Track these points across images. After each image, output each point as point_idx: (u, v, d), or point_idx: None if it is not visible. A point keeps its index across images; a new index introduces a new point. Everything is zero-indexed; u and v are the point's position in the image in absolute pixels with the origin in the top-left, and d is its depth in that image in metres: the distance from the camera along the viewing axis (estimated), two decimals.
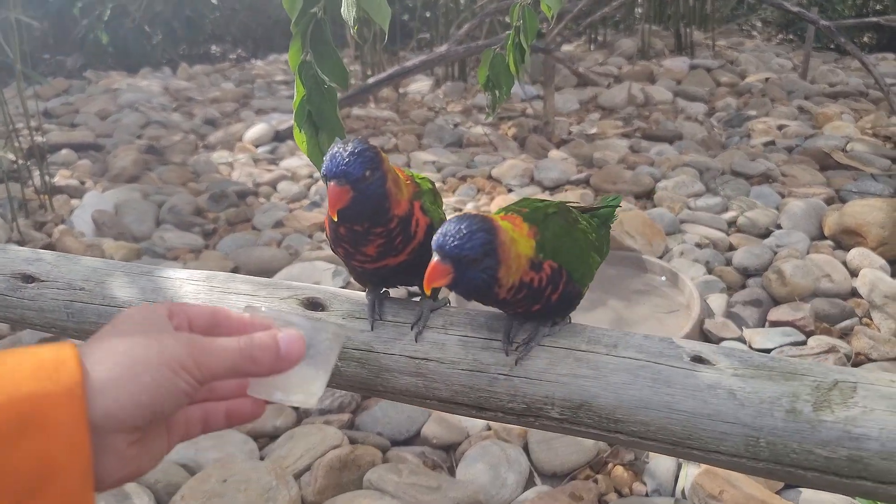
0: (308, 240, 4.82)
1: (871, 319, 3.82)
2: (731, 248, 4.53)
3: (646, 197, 5.26)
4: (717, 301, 3.93)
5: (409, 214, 1.22)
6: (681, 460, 2.84)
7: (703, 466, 2.57)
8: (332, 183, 1.12)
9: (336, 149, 1.13)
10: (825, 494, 2.61)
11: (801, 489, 2.65)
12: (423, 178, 1.36)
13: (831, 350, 3.35)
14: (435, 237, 1.05)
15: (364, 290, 1.32)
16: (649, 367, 1.13)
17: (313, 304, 1.27)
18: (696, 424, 1.09)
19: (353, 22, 1.29)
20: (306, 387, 0.89)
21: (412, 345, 1.20)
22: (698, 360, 1.14)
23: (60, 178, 5.92)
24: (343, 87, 1.45)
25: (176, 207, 5.26)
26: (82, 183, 5.89)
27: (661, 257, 4.35)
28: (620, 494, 2.79)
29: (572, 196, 4.90)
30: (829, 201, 4.95)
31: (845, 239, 4.43)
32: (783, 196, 5.10)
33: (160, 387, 0.74)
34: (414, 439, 3.14)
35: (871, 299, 3.87)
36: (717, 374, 1.10)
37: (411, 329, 1.20)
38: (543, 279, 1.14)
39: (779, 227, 4.69)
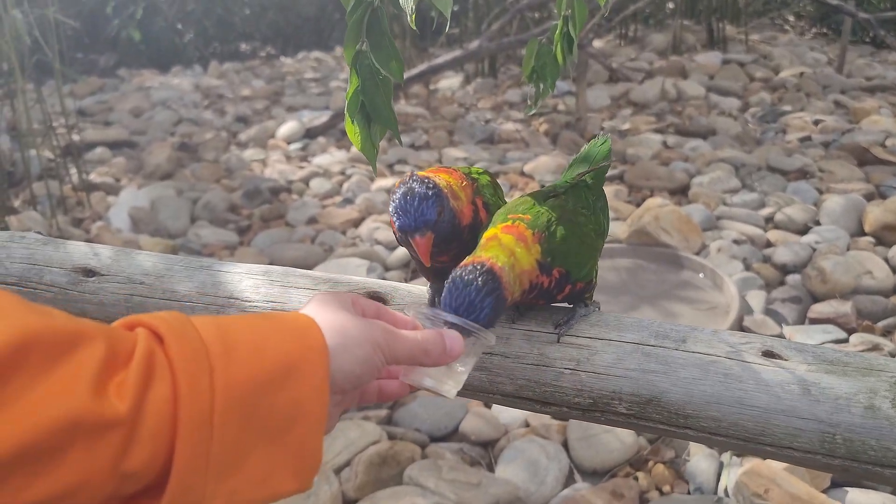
0: (342, 236, 4.84)
1: None
2: (769, 244, 4.48)
3: (681, 193, 5.21)
4: (756, 298, 3.88)
5: (474, 217, 1.24)
6: (722, 459, 2.81)
7: (747, 465, 2.53)
8: (416, 237, 1.16)
9: (400, 201, 1.16)
10: (873, 494, 2.57)
11: (846, 488, 2.61)
12: (480, 172, 1.36)
13: (875, 348, 3.30)
14: (444, 299, 1.05)
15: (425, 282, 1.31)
16: (720, 362, 1.11)
17: (375, 299, 1.27)
18: (770, 420, 1.07)
19: (411, 10, 1.28)
20: (451, 379, 1.00)
21: None
22: (770, 354, 1.12)
23: (97, 175, 5.99)
24: (399, 79, 1.44)
25: (210, 204, 5.30)
26: (118, 180, 5.96)
27: (697, 254, 4.30)
28: (661, 492, 2.76)
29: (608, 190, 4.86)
30: (868, 197, 4.87)
31: (887, 235, 4.36)
32: (821, 192, 5.03)
33: (366, 361, 0.86)
34: (452, 435, 3.13)
35: None
36: (790, 370, 1.09)
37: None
38: (552, 283, 1.15)
39: (817, 223, 4.63)
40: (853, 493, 2.56)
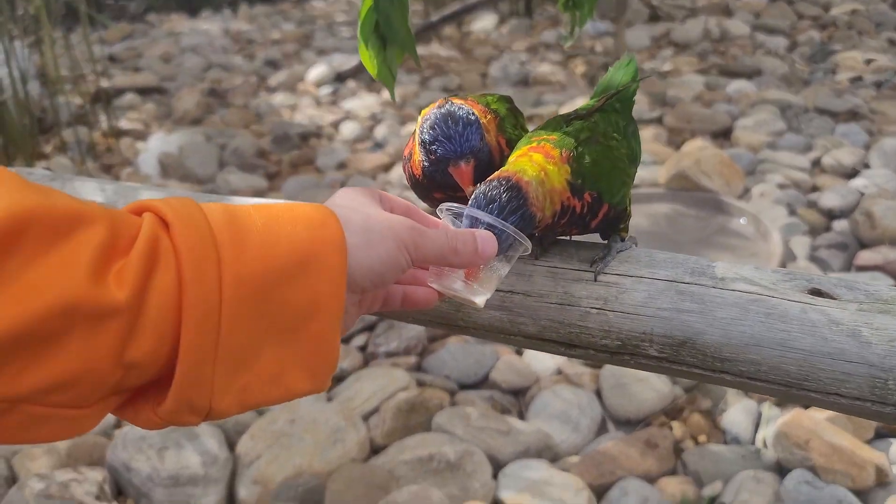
0: (371, 181, 4.75)
1: None
2: (815, 189, 4.29)
3: (723, 136, 5.01)
4: (800, 244, 3.73)
5: (500, 155, 1.15)
6: (762, 409, 2.71)
7: (787, 416, 2.43)
8: (460, 164, 1.07)
9: (440, 125, 1.06)
10: None
11: (891, 439, 2.50)
12: (497, 100, 1.25)
13: None
14: (471, 210, 0.94)
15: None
16: (762, 300, 1.00)
17: None
18: (815, 364, 0.96)
19: None
20: (481, 286, 0.92)
21: None
22: (817, 293, 1.01)
23: (126, 121, 5.96)
24: (412, 54, 1.34)
25: (239, 150, 5.24)
26: (147, 126, 5.92)
27: (739, 199, 4.14)
28: (697, 442, 2.68)
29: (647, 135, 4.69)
30: None
31: None
32: (871, 134, 4.79)
33: (389, 259, 0.80)
34: (482, 383, 3.07)
35: None
36: (840, 309, 0.98)
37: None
38: (585, 207, 1.05)
39: (867, 166, 4.41)
40: None
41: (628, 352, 1.06)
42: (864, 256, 3.61)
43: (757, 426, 2.65)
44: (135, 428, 1.90)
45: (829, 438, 2.26)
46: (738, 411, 2.72)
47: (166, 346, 0.66)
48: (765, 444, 2.55)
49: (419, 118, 1.14)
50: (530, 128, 1.23)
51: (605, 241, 1.14)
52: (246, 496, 2.51)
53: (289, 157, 5.21)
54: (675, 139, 4.97)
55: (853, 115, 5.12)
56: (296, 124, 5.72)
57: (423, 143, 1.09)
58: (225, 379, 0.69)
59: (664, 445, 2.60)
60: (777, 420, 2.49)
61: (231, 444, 2.70)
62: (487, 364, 3.09)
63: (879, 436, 2.53)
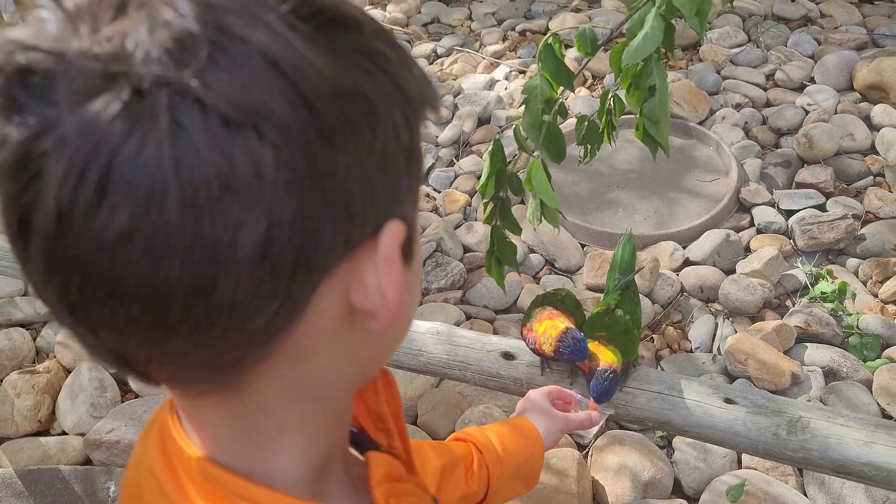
0: None
1: (884, 177, 4.53)
2: (768, 104, 5.13)
3: (692, 48, 5.75)
4: (753, 165, 4.63)
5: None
6: (717, 321, 3.78)
7: (734, 338, 3.50)
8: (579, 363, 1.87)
9: (570, 343, 1.86)
10: (824, 348, 3.53)
11: (806, 344, 3.58)
12: (562, 295, 2.12)
13: (844, 217, 4.11)
14: (592, 387, 1.79)
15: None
16: (704, 406, 1.99)
17: (507, 356, 2.11)
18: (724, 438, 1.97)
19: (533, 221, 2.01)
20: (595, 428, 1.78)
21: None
22: (729, 401, 1.97)
23: None
24: (515, 267, 2.21)
25: None
26: None
27: (703, 122, 4.99)
28: (672, 350, 3.76)
29: None
30: (861, 47, 5.42)
31: (872, 93, 5.00)
32: (820, 43, 5.54)
33: (556, 441, 1.62)
34: (511, 308, 4.10)
35: (886, 157, 4.56)
36: (740, 410, 1.93)
37: (540, 369, 2.03)
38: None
39: (812, 80, 5.23)
40: (811, 350, 3.53)
41: None
42: (803, 174, 4.55)
43: (714, 338, 3.73)
44: None
45: (761, 356, 3.33)
46: (700, 324, 3.79)
47: (483, 491, 1.52)
48: (720, 352, 3.63)
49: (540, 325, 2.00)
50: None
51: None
52: None
53: None
54: None
55: (806, 21, 5.83)
56: None
57: (557, 352, 1.87)
58: (499, 497, 1.59)
59: (648, 356, 3.68)
60: (727, 338, 3.57)
61: None
62: (514, 293, 4.10)
63: (799, 340, 3.61)
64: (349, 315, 0.59)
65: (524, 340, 1.98)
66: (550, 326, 1.89)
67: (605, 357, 1.86)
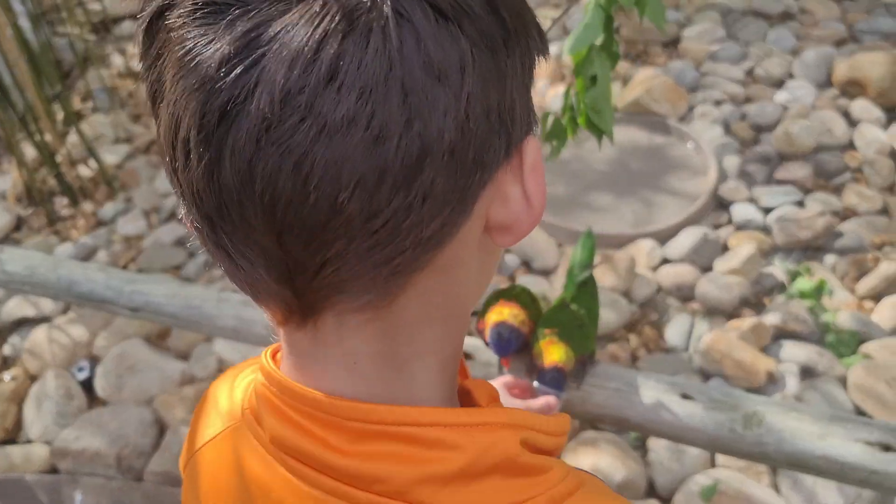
0: None
1: (862, 173, 4.49)
2: (748, 100, 5.10)
3: (672, 45, 5.71)
4: (732, 162, 4.59)
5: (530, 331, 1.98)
6: (695, 319, 3.73)
7: (709, 337, 3.45)
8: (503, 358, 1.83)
9: (494, 341, 1.84)
10: (803, 344, 3.50)
11: (783, 342, 3.54)
12: (518, 291, 2.05)
13: (822, 214, 4.08)
14: (542, 381, 1.78)
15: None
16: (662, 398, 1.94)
17: (465, 356, 2.07)
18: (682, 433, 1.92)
19: None
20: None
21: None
22: (686, 397, 1.92)
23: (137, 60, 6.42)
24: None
25: None
26: None
27: (682, 119, 4.96)
28: (649, 350, 3.72)
29: None
30: (841, 42, 5.39)
31: (850, 89, 4.97)
32: (799, 38, 5.52)
33: None
34: None
35: (864, 153, 4.53)
36: (696, 406, 1.88)
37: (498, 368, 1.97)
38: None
39: (791, 76, 5.20)
40: (788, 347, 3.49)
41: None
42: (783, 171, 4.52)
43: (689, 337, 3.69)
44: None
45: (737, 356, 3.29)
46: (677, 323, 3.74)
47: None
48: (696, 351, 3.59)
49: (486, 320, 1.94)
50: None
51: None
52: None
53: None
54: (631, 52, 5.68)
55: (786, 16, 5.81)
56: None
57: (487, 344, 1.85)
58: None
59: (624, 357, 3.64)
60: (703, 337, 3.52)
61: None
62: (488, 293, 4.05)
63: (776, 339, 3.57)
64: (484, 231, 0.62)
65: (479, 335, 1.94)
66: (496, 313, 1.85)
67: (551, 355, 1.82)
